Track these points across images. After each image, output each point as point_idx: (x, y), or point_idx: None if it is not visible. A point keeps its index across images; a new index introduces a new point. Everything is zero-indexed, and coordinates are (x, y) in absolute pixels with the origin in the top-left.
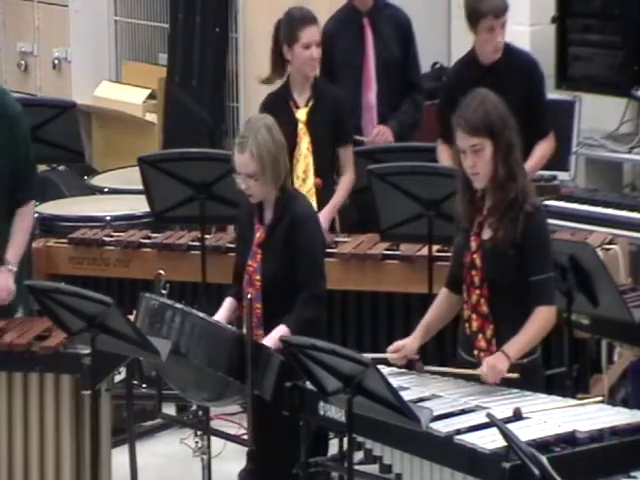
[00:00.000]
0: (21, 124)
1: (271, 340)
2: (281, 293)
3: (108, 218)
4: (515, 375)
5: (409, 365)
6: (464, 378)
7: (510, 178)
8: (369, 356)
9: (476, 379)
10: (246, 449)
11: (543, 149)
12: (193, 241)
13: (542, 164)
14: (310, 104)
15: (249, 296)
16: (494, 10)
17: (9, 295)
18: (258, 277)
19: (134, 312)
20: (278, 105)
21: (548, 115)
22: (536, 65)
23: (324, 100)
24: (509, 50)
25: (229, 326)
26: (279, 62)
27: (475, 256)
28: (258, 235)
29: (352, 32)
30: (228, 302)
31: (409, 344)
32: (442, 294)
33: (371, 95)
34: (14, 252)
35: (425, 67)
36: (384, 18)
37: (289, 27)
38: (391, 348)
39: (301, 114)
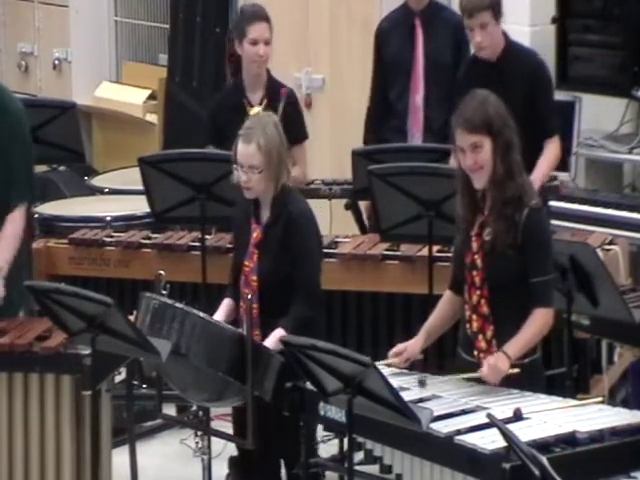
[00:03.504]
0: (20, 122)
1: (270, 342)
2: (278, 293)
3: (108, 218)
4: (516, 370)
5: (411, 367)
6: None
7: (508, 176)
8: None
9: (477, 380)
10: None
11: (551, 152)
12: (193, 241)
13: (554, 166)
14: (264, 103)
15: (249, 296)
16: (465, 10)
17: None
18: (254, 277)
19: (134, 312)
20: (232, 102)
21: (555, 117)
22: (541, 65)
23: (276, 99)
24: (514, 48)
25: (229, 326)
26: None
27: (476, 257)
28: (255, 235)
29: (403, 32)
30: (225, 304)
31: (411, 346)
32: (445, 296)
33: (418, 97)
34: (3, 257)
35: None
36: (439, 20)
37: (240, 23)
38: (393, 351)
39: (254, 113)
